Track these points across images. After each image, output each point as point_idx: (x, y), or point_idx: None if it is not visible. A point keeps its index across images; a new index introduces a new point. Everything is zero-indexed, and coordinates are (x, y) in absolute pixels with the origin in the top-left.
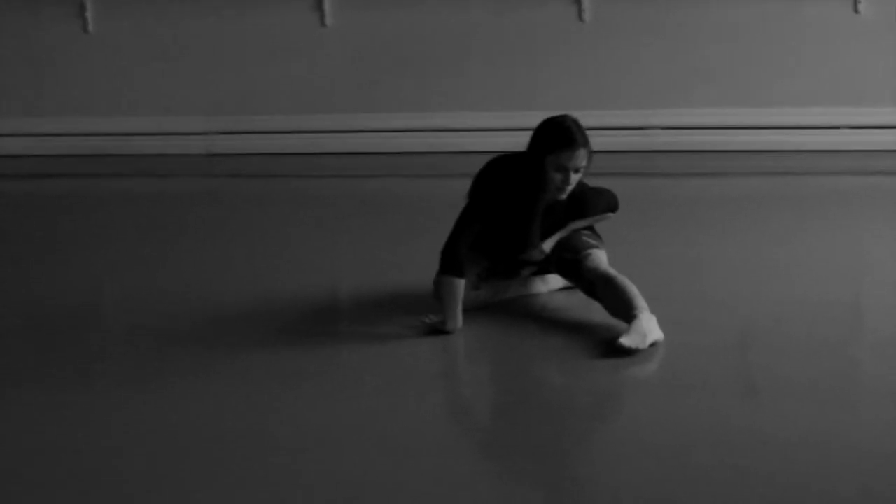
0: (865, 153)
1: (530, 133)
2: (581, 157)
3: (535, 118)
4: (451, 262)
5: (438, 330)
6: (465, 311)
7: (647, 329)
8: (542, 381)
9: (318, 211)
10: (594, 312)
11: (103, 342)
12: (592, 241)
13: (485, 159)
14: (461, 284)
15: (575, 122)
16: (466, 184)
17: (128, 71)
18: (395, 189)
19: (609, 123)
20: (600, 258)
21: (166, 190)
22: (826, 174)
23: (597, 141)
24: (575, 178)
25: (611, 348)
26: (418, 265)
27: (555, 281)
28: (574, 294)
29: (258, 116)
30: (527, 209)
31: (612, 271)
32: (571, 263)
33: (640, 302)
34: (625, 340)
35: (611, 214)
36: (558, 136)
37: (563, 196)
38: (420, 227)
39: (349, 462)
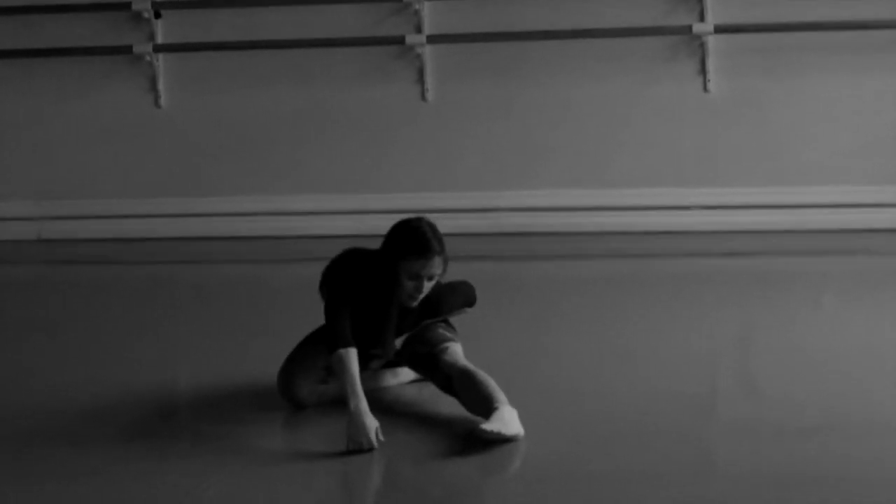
0: (717, 234)
1: (373, 217)
2: (436, 266)
3: (377, 200)
4: (339, 336)
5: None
6: (310, 406)
7: (508, 419)
8: (396, 478)
9: (156, 299)
10: (447, 406)
11: None
12: (448, 334)
13: (326, 244)
14: (355, 354)
15: (431, 226)
16: (307, 269)
17: None
18: (232, 275)
19: (454, 206)
20: (457, 352)
21: None
22: (677, 256)
23: (442, 224)
24: (428, 286)
25: (470, 437)
26: (259, 357)
27: (405, 374)
28: (425, 387)
29: (91, 200)
30: (379, 311)
31: (470, 365)
32: (426, 357)
33: (500, 395)
34: (486, 426)
35: (468, 309)
36: (412, 243)
37: (415, 304)
38: (268, 314)
39: None
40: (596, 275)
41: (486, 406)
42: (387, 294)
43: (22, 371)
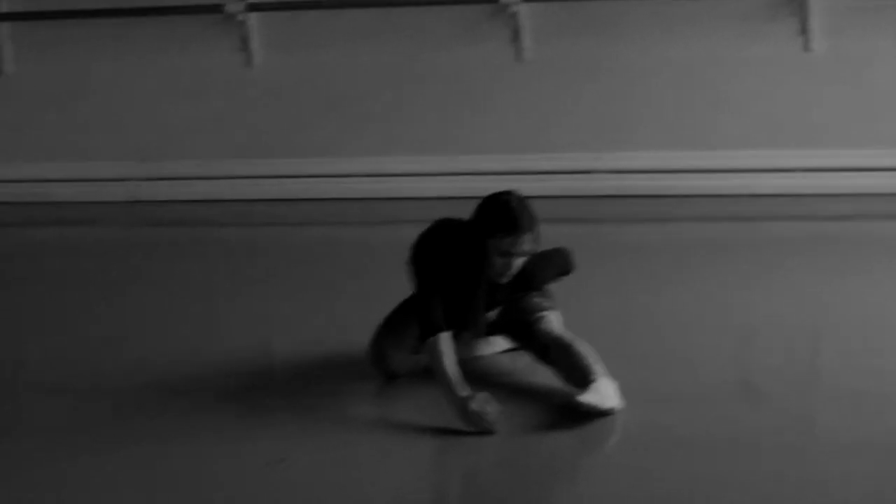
0: (819, 197)
1: (467, 178)
2: (526, 243)
3: (472, 162)
4: (431, 323)
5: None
6: (402, 376)
7: (606, 393)
8: (491, 451)
9: (250, 261)
10: (543, 376)
11: (24, 401)
12: (545, 303)
13: (420, 206)
14: (448, 340)
15: (521, 201)
16: (401, 231)
17: (46, 114)
18: (325, 238)
19: (551, 168)
20: (553, 320)
21: (87, 239)
22: (777, 219)
23: (539, 186)
24: (518, 263)
25: (568, 409)
26: (352, 323)
27: (499, 343)
28: (520, 356)
29: (183, 161)
30: (469, 289)
31: (568, 335)
32: (522, 326)
33: (599, 367)
34: (583, 398)
35: (563, 277)
36: (502, 220)
37: (505, 280)
38: (362, 279)
39: None
40: (693, 238)
41: (583, 377)
42: (476, 272)
43: (114, 335)
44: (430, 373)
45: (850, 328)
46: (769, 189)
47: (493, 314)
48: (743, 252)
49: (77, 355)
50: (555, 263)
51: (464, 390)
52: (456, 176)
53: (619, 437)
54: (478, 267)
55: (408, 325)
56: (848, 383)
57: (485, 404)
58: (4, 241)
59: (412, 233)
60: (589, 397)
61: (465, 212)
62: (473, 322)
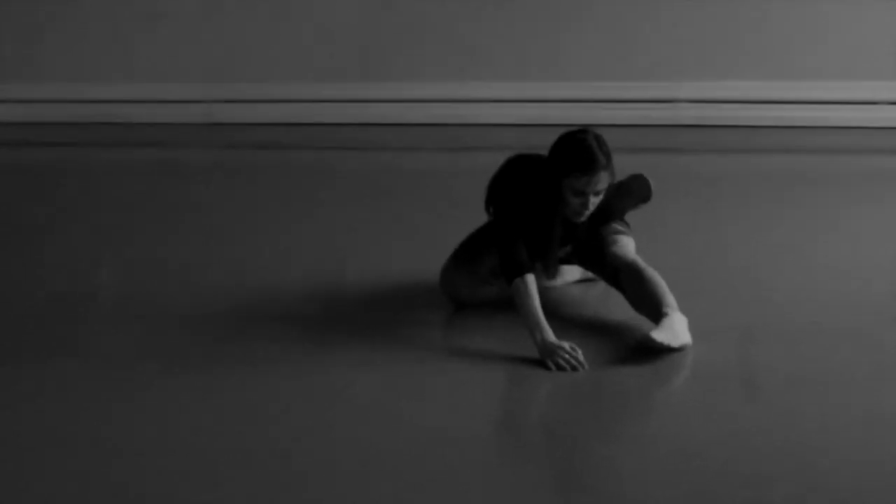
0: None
1: (547, 106)
2: (602, 181)
3: (553, 89)
4: (515, 264)
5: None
6: (477, 306)
7: (678, 329)
8: (561, 384)
9: (326, 186)
10: (614, 309)
11: (98, 327)
12: (619, 227)
13: (499, 132)
14: (533, 281)
15: (597, 139)
16: (478, 158)
17: (122, 34)
18: (407, 163)
19: (632, 96)
20: (626, 245)
21: (163, 161)
22: (865, 153)
23: (619, 115)
24: (595, 202)
25: (639, 344)
26: (425, 250)
27: (571, 273)
28: (591, 287)
29: (261, 84)
30: (545, 228)
31: (640, 260)
32: (594, 250)
33: (671, 299)
34: (656, 335)
35: (643, 205)
36: (577, 158)
37: (582, 219)
38: (436, 206)
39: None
40: (776, 170)
41: (654, 309)
42: (552, 211)
43: (187, 260)
44: (503, 304)
45: None
46: (857, 121)
47: (568, 248)
48: (829, 186)
49: (150, 281)
50: (633, 192)
51: (550, 335)
52: (534, 103)
53: (688, 374)
54: (553, 207)
55: (480, 255)
56: None
57: (570, 350)
58: (81, 162)
59: (489, 160)
60: (661, 334)
61: (544, 140)
62: (549, 258)
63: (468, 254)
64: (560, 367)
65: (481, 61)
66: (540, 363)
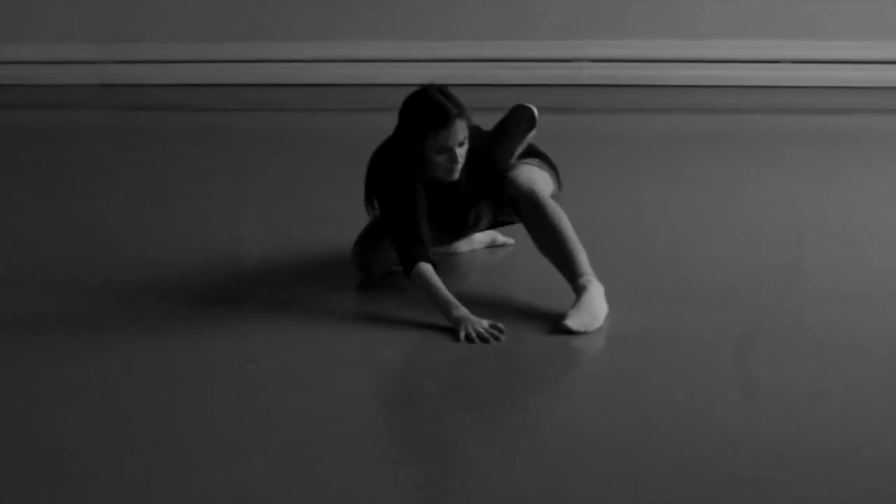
0: (808, 89)
1: (450, 65)
2: (461, 129)
3: (454, 49)
4: (409, 254)
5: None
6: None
7: (596, 309)
8: (477, 348)
9: (224, 148)
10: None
11: None
12: (528, 161)
13: (402, 92)
14: (431, 268)
15: (441, 91)
16: (380, 119)
17: None
18: (302, 125)
19: (533, 55)
20: (526, 172)
21: (57, 123)
22: (770, 112)
23: (520, 74)
24: (462, 153)
25: (554, 328)
26: (333, 213)
27: (478, 239)
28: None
29: (156, 45)
30: (435, 202)
31: (540, 191)
32: (496, 184)
33: (584, 261)
34: (572, 323)
35: (532, 133)
36: (429, 116)
37: (455, 176)
38: (338, 167)
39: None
40: (682, 131)
41: (568, 272)
42: (424, 179)
43: (79, 221)
44: None
45: (842, 226)
46: (760, 80)
47: (475, 212)
48: (734, 146)
49: (42, 246)
50: (512, 127)
51: (463, 309)
52: (435, 63)
53: (603, 337)
54: (425, 175)
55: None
56: (836, 282)
57: (483, 323)
58: None
59: (391, 121)
60: (577, 321)
61: None
62: (452, 227)
63: (376, 235)
64: (470, 339)
65: (381, 21)
66: (452, 333)
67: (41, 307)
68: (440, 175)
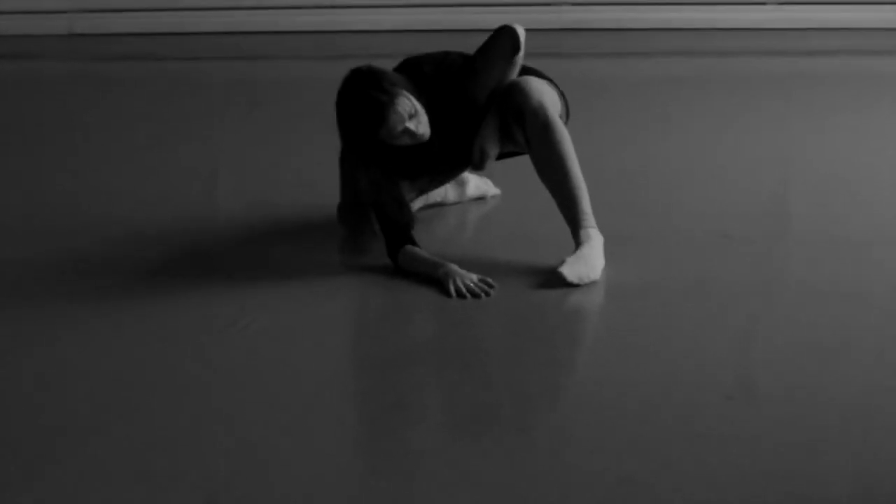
0: (793, 31)
1: (424, 10)
2: (403, 108)
3: None
4: (393, 243)
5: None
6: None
7: (593, 260)
8: (465, 304)
9: (197, 98)
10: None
11: None
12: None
13: (376, 38)
14: (414, 248)
15: (368, 76)
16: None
17: None
18: (275, 73)
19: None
20: (535, 84)
21: (25, 73)
22: (754, 55)
23: (498, 19)
24: (421, 123)
25: (549, 277)
26: (320, 162)
27: (471, 186)
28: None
29: None
30: (423, 157)
31: (551, 110)
32: (499, 99)
33: (585, 202)
34: (567, 273)
35: (519, 56)
36: (363, 118)
37: (426, 136)
38: (305, 119)
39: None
40: (664, 75)
41: (568, 211)
42: (395, 158)
43: (48, 175)
44: None
45: (833, 171)
46: (745, 23)
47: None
48: (719, 89)
49: (12, 202)
50: (493, 55)
51: (445, 266)
52: (411, 8)
53: (599, 290)
54: (391, 156)
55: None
56: (829, 228)
57: (472, 277)
58: None
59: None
60: (572, 271)
61: (420, 46)
62: (449, 167)
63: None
64: (460, 294)
65: None
66: (443, 291)
67: (10, 265)
68: (412, 143)
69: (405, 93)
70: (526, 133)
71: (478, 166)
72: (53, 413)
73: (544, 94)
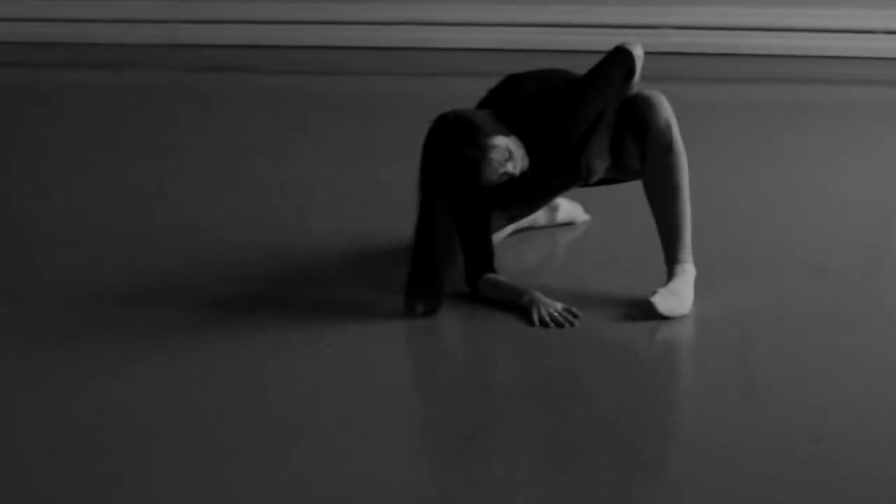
0: None
1: (522, 30)
2: (500, 155)
3: (531, 13)
4: (478, 268)
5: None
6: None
7: (684, 295)
8: (538, 336)
9: (290, 111)
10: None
11: (43, 265)
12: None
13: (472, 56)
14: (497, 277)
15: (459, 127)
16: (452, 83)
17: None
18: (372, 88)
19: (615, 21)
20: (663, 102)
21: (123, 83)
22: (864, 83)
23: (601, 41)
24: (518, 161)
25: (640, 307)
26: (398, 183)
27: (563, 211)
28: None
29: (226, 3)
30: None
31: (678, 135)
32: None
33: (687, 236)
34: (659, 303)
35: (634, 80)
36: (457, 176)
37: (525, 167)
38: (403, 134)
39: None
40: (765, 100)
41: (668, 243)
42: (497, 192)
43: (137, 188)
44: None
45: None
46: (851, 51)
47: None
48: (821, 117)
49: (101, 210)
50: (601, 83)
51: (529, 293)
52: (512, 27)
53: (689, 323)
54: (483, 193)
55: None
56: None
57: (556, 306)
58: (37, 83)
59: (464, 85)
60: (664, 302)
61: (520, 65)
62: (529, 203)
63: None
64: (544, 323)
65: None
66: (525, 319)
67: (97, 279)
68: (513, 178)
69: (496, 139)
70: (646, 149)
71: (585, 179)
72: (112, 436)
73: (672, 114)
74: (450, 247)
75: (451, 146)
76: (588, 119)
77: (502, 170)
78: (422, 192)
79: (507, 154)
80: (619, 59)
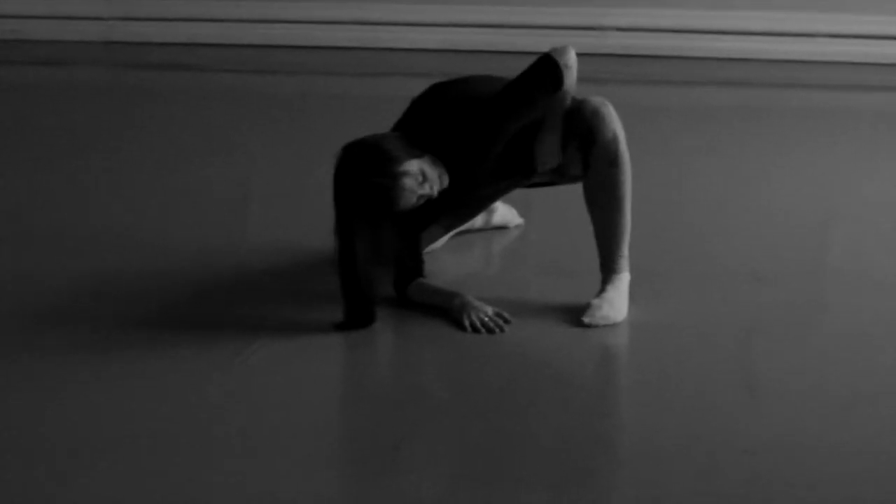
0: (845, 65)
1: (463, 31)
2: (413, 179)
3: (471, 13)
4: (405, 275)
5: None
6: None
7: (617, 303)
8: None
9: (230, 111)
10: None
11: None
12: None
13: (415, 57)
14: (426, 282)
15: (366, 156)
16: (394, 84)
17: None
18: (313, 88)
19: (556, 22)
20: (610, 111)
21: (59, 80)
22: (800, 87)
23: (541, 42)
24: (434, 181)
25: (573, 315)
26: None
27: (500, 214)
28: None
29: (163, 1)
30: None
31: (624, 147)
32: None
33: (625, 245)
34: (589, 320)
35: (562, 91)
36: (370, 204)
37: (445, 184)
38: (342, 135)
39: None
40: (708, 104)
41: (605, 250)
42: (419, 213)
43: (78, 186)
44: None
45: (877, 211)
46: (791, 55)
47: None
48: (765, 122)
49: (37, 211)
50: (523, 92)
51: (460, 296)
52: (450, 27)
53: (622, 329)
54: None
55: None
56: (867, 270)
57: (487, 311)
58: None
59: (407, 86)
60: (595, 316)
61: (459, 67)
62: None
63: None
64: (475, 328)
65: None
66: (456, 325)
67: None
68: (430, 202)
69: (407, 164)
70: (590, 159)
71: (529, 178)
72: (55, 445)
73: (620, 126)
74: (376, 265)
75: (361, 177)
76: (507, 135)
77: (418, 193)
78: (338, 221)
79: (421, 177)
80: (545, 70)
